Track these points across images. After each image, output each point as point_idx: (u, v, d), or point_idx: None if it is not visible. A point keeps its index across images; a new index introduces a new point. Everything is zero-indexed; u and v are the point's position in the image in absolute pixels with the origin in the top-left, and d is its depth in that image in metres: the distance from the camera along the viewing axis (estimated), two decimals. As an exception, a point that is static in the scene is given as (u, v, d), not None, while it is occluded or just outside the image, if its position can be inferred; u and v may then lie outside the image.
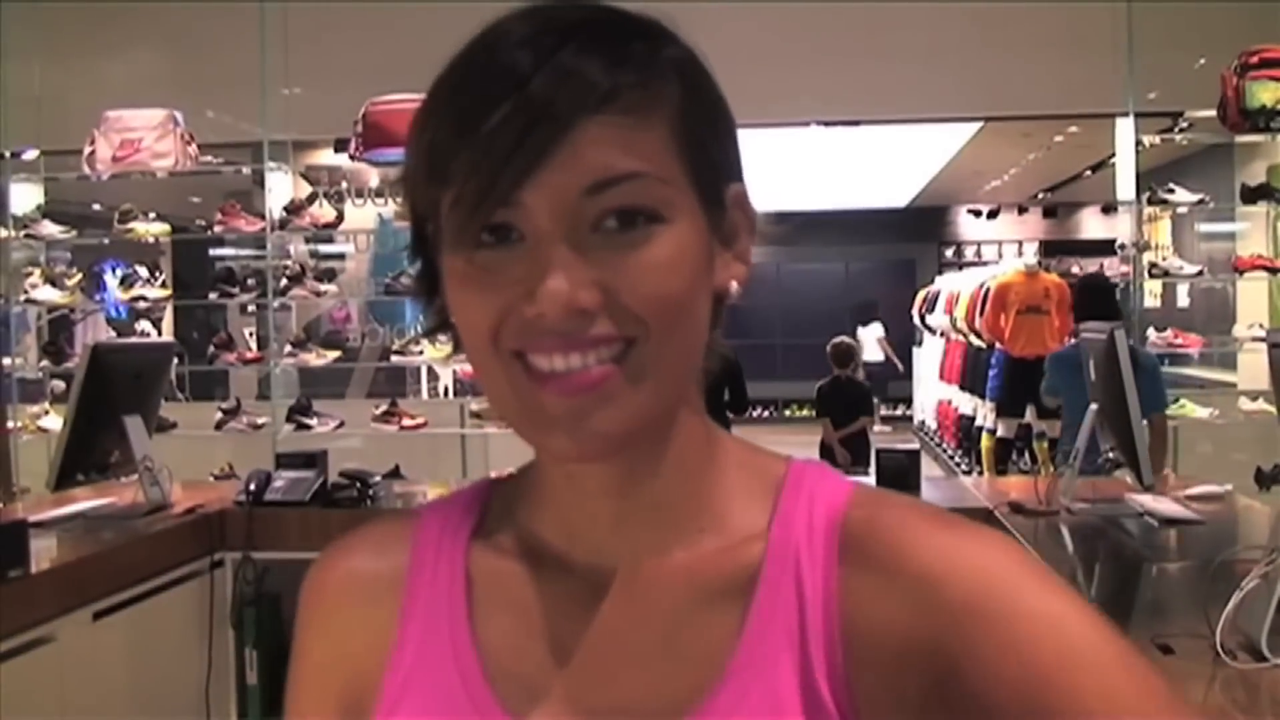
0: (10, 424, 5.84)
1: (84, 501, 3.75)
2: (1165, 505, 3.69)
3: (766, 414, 15.91)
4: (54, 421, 5.78)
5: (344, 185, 8.00)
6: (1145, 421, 3.74)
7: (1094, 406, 3.81)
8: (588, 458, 0.75)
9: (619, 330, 0.72)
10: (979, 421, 10.03)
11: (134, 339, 7.73)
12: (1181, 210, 6.46)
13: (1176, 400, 6.10)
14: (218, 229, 6.26)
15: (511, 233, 0.72)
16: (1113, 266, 9.80)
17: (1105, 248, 9.64)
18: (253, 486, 3.67)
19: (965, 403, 10.96)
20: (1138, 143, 5.96)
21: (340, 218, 6.24)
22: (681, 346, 0.75)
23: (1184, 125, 6.50)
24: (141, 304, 6.66)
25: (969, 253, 17.26)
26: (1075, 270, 10.53)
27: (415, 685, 0.83)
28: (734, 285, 0.80)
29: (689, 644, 0.78)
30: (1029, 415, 8.40)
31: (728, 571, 0.79)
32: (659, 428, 0.78)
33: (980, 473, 9.31)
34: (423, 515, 0.90)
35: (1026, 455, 8.79)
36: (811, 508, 0.79)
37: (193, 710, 3.37)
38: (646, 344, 0.72)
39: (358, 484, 3.83)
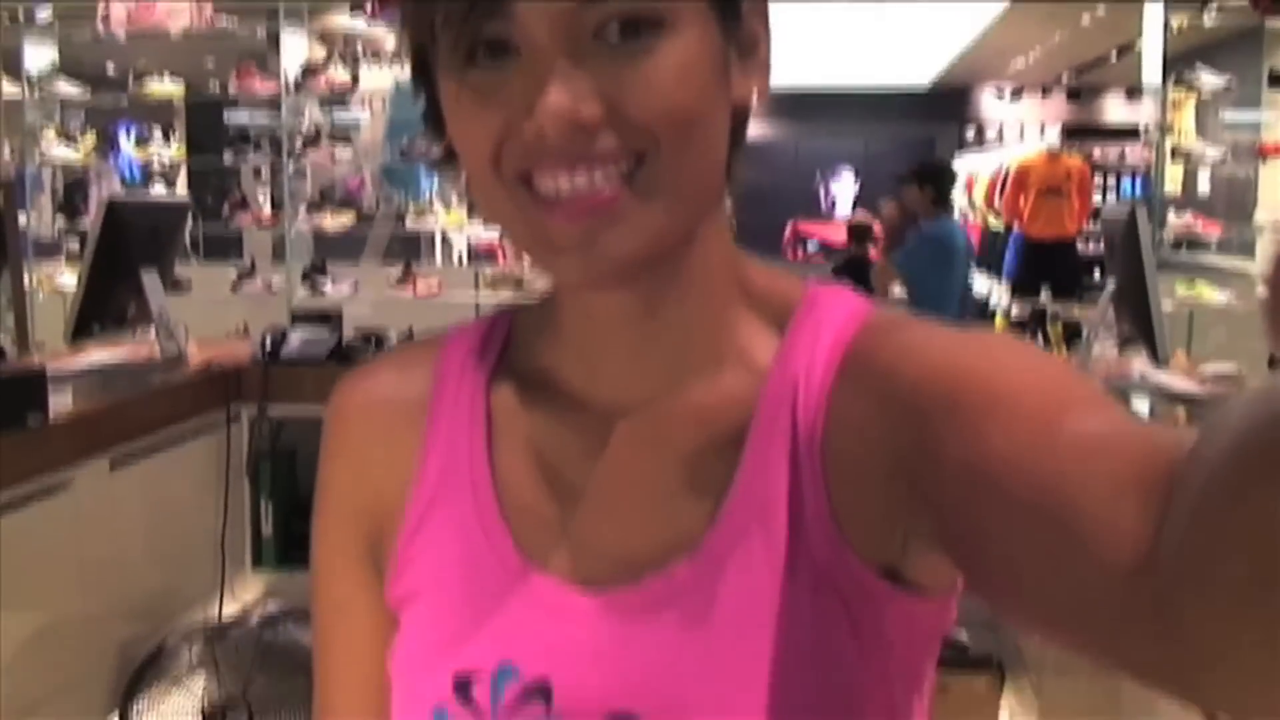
0: (27, 282, 5.85)
1: (101, 355, 3.77)
2: (1178, 382, 3.69)
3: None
4: (70, 281, 5.79)
5: (359, 49, 7.90)
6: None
7: (1111, 283, 3.80)
8: (599, 283, 0.74)
9: (626, 145, 0.69)
10: (994, 302, 10.01)
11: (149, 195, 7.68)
12: (1206, 97, 6.37)
13: (1192, 283, 6.08)
14: (232, 91, 6.21)
15: (507, 48, 0.69)
16: (1135, 153, 9.70)
17: (1128, 133, 9.52)
18: (268, 343, 3.68)
19: (981, 283, 10.93)
20: (1165, 25, 5.85)
21: (356, 81, 6.19)
22: (696, 163, 0.72)
23: (1213, 8, 6.38)
24: (156, 166, 6.63)
25: (990, 134, 17.06)
26: (1096, 155, 10.39)
27: (433, 515, 0.83)
28: (755, 97, 0.77)
29: (696, 483, 0.78)
30: (1044, 296, 8.38)
31: (735, 408, 0.78)
32: (676, 251, 0.76)
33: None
34: (445, 343, 0.89)
35: (1040, 336, 8.78)
36: (817, 335, 0.78)
37: (208, 559, 3.42)
38: (657, 160, 0.70)
39: (374, 343, 3.85)
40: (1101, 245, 3.89)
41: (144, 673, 3.11)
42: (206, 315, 5.53)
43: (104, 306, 3.64)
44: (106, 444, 3.03)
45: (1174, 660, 0.52)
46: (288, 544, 3.66)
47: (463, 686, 0.78)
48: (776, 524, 0.75)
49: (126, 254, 3.63)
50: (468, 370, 0.86)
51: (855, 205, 12.54)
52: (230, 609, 3.43)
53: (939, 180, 6.44)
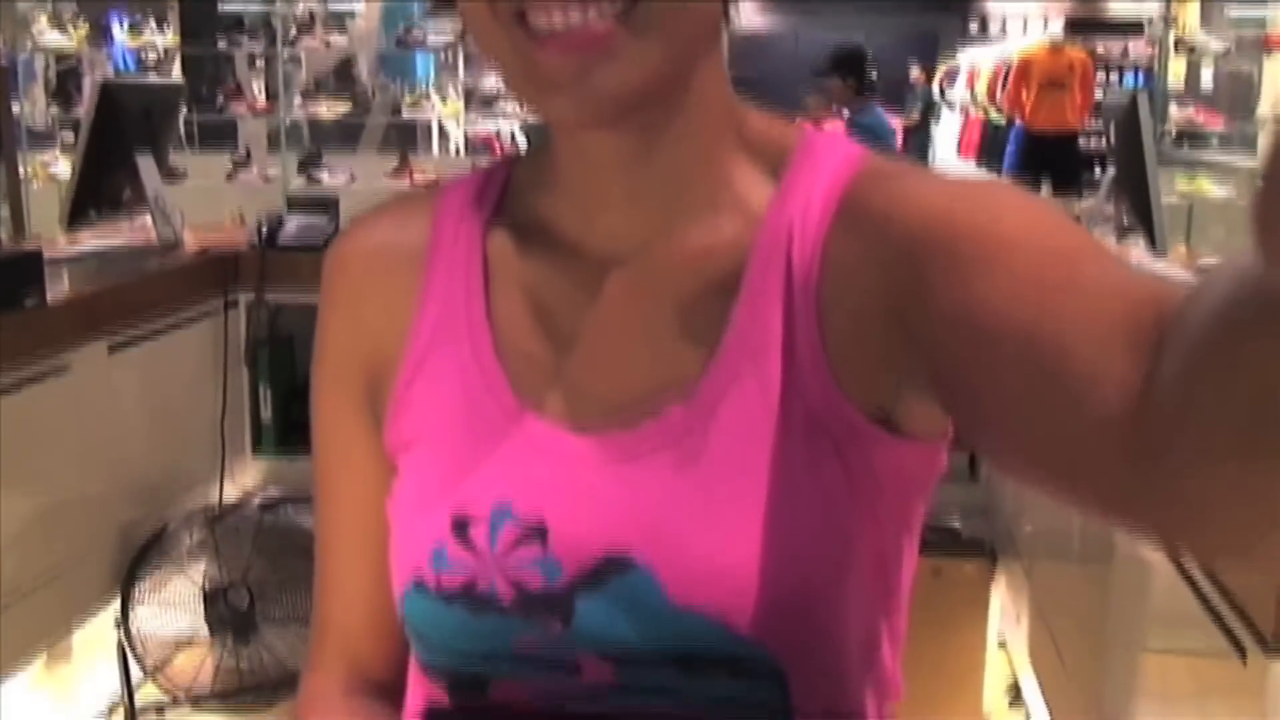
0: (22, 171, 5.82)
1: (97, 240, 3.75)
2: (1176, 273, 3.69)
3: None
4: (64, 170, 5.75)
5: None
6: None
7: (1111, 171, 3.78)
8: (593, 121, 0.73)
9: None
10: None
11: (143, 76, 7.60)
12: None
13: (1193, 177, 6.05)
14: (226, -25, 6.13)
15: None
16: (1138, 47, 9.59)
17: (1132, 28, 9.42)
18: (265, 229, 3.66)
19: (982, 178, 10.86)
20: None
21: (351, -34, 6.11)
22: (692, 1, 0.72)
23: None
24: (149, 54, 6.55)
25: (994, 27, 16.82)
26: (1099, 49, 10.28)
27: (431, 361, 0.84)
28: None
29: (690, 328, 0.78)
30: (1044, 190, 8.35)
31: (730, 253, 0.79)
32: (671, 93, 0.76)
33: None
34: (443, 192, 0.90)
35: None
36: (813, 180, 0.78)
37: (207, 443, 3.43)
38: None
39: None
40: (1103, 141, 3.87)
41: (145, 556, 3.14)
42: (202, 204, 5.50)
43: (99, 191, 3.62)
44: (104, 327, 3.02)
45: (1158, 506, 0.53)
46: (287, 430, 3.67)
47: (460, 527, 0.79)
48: (770, 367, 0.75)
49: (121, 137, 3.59)
50: (465, 219, 0.86)
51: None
52: (230, 494, 3.45)
53: (858, 68, 6.29)
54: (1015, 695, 3.31)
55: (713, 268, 0.79)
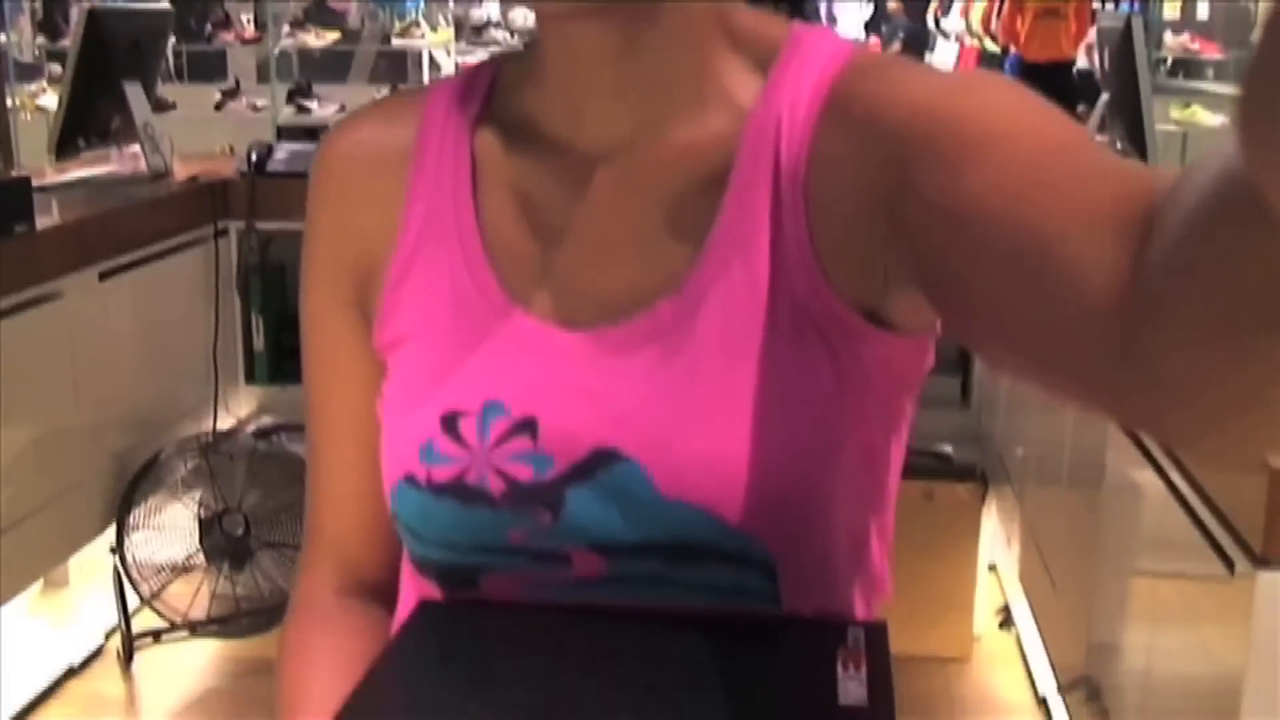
0: (9, 102, 5.78)
1: (86, 169, 3.73)
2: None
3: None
4: (52, 101, 5.71)
5: None
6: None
7: (1105, 96, 3.76)
8: (578, 11, 0.73)
9: None
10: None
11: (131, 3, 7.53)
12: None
13: (1187, 105, 6.03)
14: (213, -98, 6.06)
15: None
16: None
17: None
18: (254, 157, 3.64)
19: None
20: None
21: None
22: None
23: None
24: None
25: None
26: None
27: (419, 260, 0.84)
28: None
29: (678, 224, 0.78)
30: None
31: (717, 148, 0.78)
32: None
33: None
34: (430, 93, 0.89)
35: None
36: (801, 74, 0.77)
37: (201, 373, 3.44)
38: None
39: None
40: (1097, 68, 3.85)
41: (139, 483, 3.15)
42: (191, 135, 5.47)
43: (88, 121, 3.59)
44: (95, 255, 3.01)
45: (1142, 395, 0.53)
46: (280, 359, 3.67)
47: (450, 422, 0.79)
48: (758, 261, 0.75)
49: (109, 65, 3.56)
50: (452, 118, 0.86)
51: (868, 30, 12.27)
52: (224, 423, 3.46)
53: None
54: (1005, 618, 3.34)
55: (700, 163, 0.79)
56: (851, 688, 0.71)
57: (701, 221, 0.78)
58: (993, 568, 3.49)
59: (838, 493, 0.78)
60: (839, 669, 0.72)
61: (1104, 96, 3.77)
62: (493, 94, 0.87)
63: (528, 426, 0.78)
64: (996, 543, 3.38)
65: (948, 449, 3.28)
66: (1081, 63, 7.86)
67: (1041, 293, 0.59)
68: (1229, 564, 1.59)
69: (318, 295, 0.90)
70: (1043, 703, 2.94)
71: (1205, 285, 0.47)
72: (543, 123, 0.83)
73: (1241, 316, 0.45)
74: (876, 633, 0.77)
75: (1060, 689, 2.58)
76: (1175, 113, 6.05)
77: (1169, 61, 7.01)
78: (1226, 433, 0.54)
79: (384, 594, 0.93)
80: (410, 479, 0.80)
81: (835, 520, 0.79)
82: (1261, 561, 1.49)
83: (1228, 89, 8.69)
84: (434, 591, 0.84)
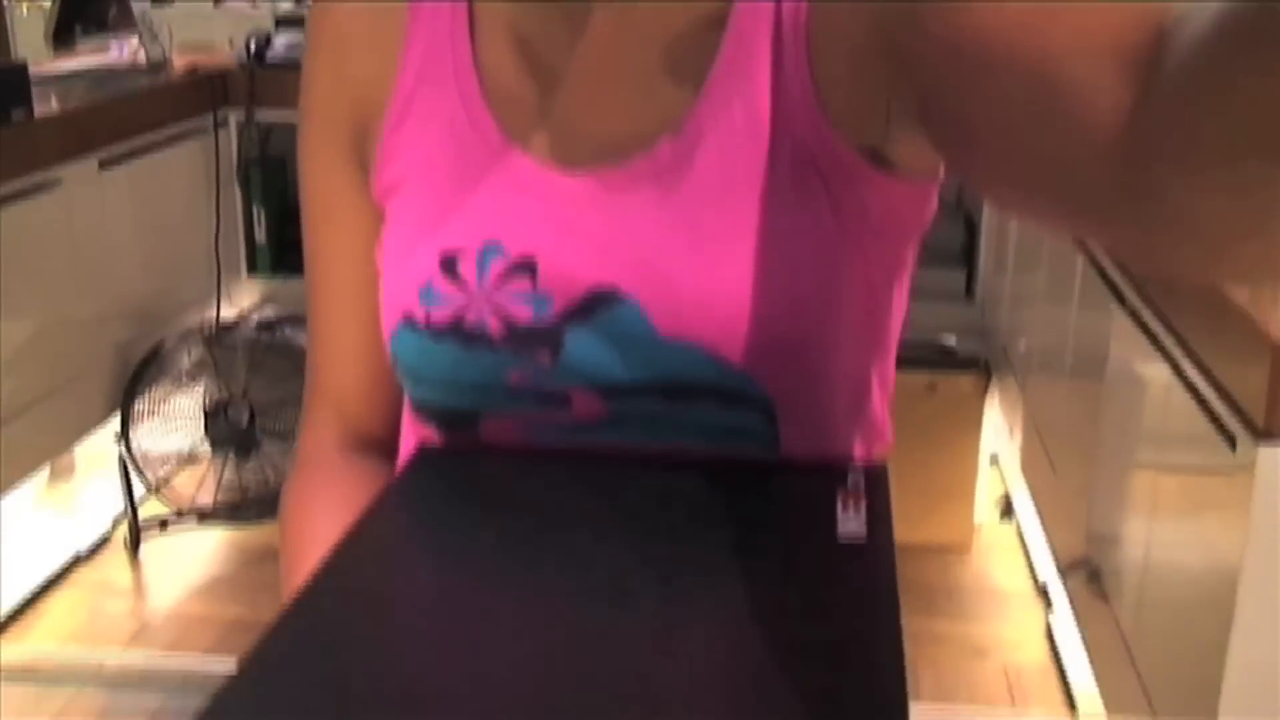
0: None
1: (83, 60, 3.69)
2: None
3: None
4: (49, -6, 5.63)
5: None
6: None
7: None
8: None
9: None
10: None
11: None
12: None
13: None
14: None
15: None
16: None
17: None
18: (253, 46, 3.60)
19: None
20: None
21: None
22: None
23: None
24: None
25: None
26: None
27: (417, 104, 0.83)
28: None
29: (677, 64, 0.77)
30: None
31: None
32: None
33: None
34: None
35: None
36: None
37: (203, 264, 3.42)
38: None
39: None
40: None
41: (142, 373, 3.15)
42: (188, 29, 5.38)
43: (84, 11, 3.56)
44: (94, 143, 2.99)
45: (1142, 220, 0.53)
46: (282, 251, 3.66)
47: (449, 263, 0.79)
48: (758, 100, 0.74)
49: (104, -48, 3.52)
50: None
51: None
52: (227, 315, 3.46)
53: None
54: (1006, 508, 3.36)
55: (699, 2, 0.77)
56: (851, 526, 0.71)
57: (701, 61, 0.76)
58: (994, 461, 3.51)
59: (838, 336, 0.77)
60: (839, 508, 0.72)
61: None
62: None
63: (526, 266, 0.77)
64: (999, 435, 3.39)
65: (951, 341, 3.27)
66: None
67: (1045, 122, 0.57)
68: (1231, 441, 1.59)
69: (316, 148, 0.89)
70: (1043, 591, 2.97)
71: (1209, 112, 0.46)
72: None
73: (1244, 144, 0.45)
74: (877, 475, 0.77)
75: (1060, 571, 2.60)
76: None
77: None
78: (1228, 264, 0.53)
79: (385, 448, 0.93)
80: (409, 321, 0.80)
81: (835, 363, 0.78)
82: (1264, 434, 1.49)
83: None
84: (434, 437, 0.84)
